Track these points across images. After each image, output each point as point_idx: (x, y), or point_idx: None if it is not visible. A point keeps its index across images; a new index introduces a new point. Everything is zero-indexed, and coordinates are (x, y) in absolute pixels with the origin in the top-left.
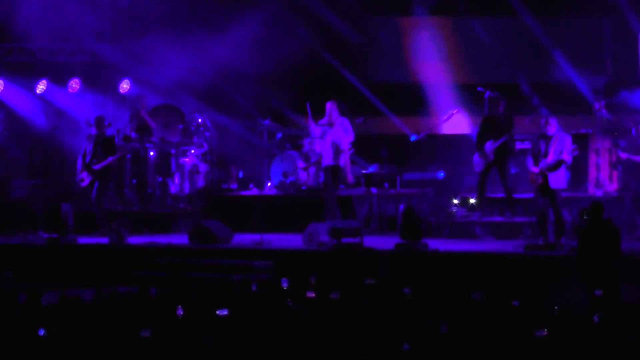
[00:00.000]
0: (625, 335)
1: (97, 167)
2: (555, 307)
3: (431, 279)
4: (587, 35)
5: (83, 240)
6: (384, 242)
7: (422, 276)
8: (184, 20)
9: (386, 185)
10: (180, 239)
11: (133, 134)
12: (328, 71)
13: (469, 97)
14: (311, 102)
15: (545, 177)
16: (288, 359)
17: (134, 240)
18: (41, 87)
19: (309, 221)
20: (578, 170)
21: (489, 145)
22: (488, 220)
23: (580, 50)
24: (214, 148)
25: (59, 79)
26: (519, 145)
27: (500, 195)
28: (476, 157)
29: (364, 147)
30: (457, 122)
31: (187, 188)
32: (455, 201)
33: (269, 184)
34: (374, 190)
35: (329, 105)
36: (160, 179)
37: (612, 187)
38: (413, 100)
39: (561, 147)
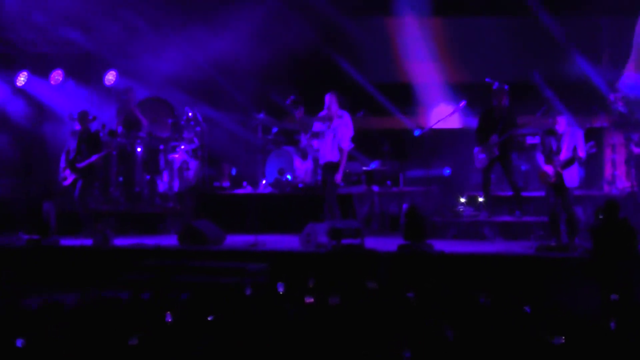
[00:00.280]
0: None
1: (81, 164)
2: (569, 313)
3: (436, 283)
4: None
5: (66, 242)
6: (386, 244)
7: (427, 279)
8: (173, 8)
9: (388, 182)
10: (169, 240)
11: (120, 129)
12: (325, 64)
13: (462, 95)
14: (301, 95)
15: (560, 176)
16: None
17: (120, 241)
18: (22, 79)
19: (306, 221)
20: (593, 167)
21: (494, 140)
22: (497, 220)
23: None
24: (205, 144)
25: (40, 71)
26: (530, 140)
27: (508, 193)
28: (478, 153)
29: (364, 142)
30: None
31: (176, 186)
32: (462, 200)
33: (263, 182)
34: (375, 188)
35: (327, 98)
36: (148, 177)
37: (628, 184)
38: (404, 99)
39: (574, 143)
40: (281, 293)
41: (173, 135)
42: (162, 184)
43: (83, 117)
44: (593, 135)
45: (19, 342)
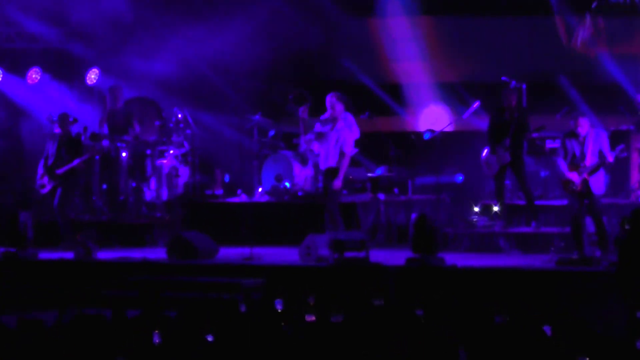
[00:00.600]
0: None
1: (60, 170)
2: (592, 331)
3: (447, 299)
4: None
5: (44, 255)
6: (394, 257)
7: (437, 296)
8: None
9: (396, 190)
10: (157, 253)
11: (105, 129)
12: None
13: (452, 95)
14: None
15: (587, 183)
16: None
17: (104, 255)
18: None
19: (306, 232)
20: (617, 172)
21: (506, 144)
22: (513, 231)
23: None
24: (196, 148)
25: (16, 68)
26: (549, 144)
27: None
28: (488, 159)
29: (370, 146)
30: (437, 120)
31: (164, 194)
32: (476, 209)
33: (259, 190)
34: (381, 196)
35: (330, 99)
36: (134, 184)
37: None
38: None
39: (599, 146)
40: (279, 310)
41: (161, 138)
42: (149, 192)
43: (63, 119)
44: (619, 139)
45: None
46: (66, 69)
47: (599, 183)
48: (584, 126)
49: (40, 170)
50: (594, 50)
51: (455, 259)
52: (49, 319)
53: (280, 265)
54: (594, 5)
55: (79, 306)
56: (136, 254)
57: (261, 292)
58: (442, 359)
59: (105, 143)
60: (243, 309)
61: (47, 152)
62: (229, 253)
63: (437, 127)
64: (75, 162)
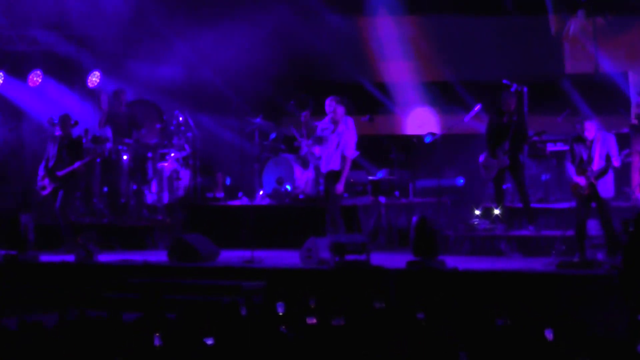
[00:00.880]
0: None
1: (61, 173)
2: (594, 335)
3: (449, 303)
4: None
5: (45, 257)
6: (394, 260)
7: (439, 299)
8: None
9: (397, 193)
10: (158, 256)
11: (109, 133)
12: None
13: (438, 94)
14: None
15: (594, 187)
16: None
17: (105, 257)
18: None
19: (307, 235)
20: (619, 175)
21: (505, 147)
22: (514, 235)
23: None
24: (197, 151)
25: (17, 71)
26: (550, 147)
27: (530, 205)
28: (485, 162)
29: (371, 149)
30: (423, 122)
31: (166, 197)
32: (477, 212)
33: (260, 193)
34: (382, 199)
35: (330, 102)
36: (135, 187)
37: None
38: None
39: (606, 150)
40: (279, 313)
41: (162, 141)
42: (150, 195)
43: (64, 121)
44: (620, 141)
45: None
46: (67, 72)
47: (607, 186)
48: (590, 130)
49: (41, 172)
50: (584, 44)
51: (456, 262)
52: (50, 321)
53: (281, 268)
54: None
55: (79, 308)
56: (137, 256)
57: (262, 295)
58: None
59: (108, 145)
60: (244, 311)
61: (48, 154)
62: (230, 256)
63: (426, 130)
64: (76, 164)
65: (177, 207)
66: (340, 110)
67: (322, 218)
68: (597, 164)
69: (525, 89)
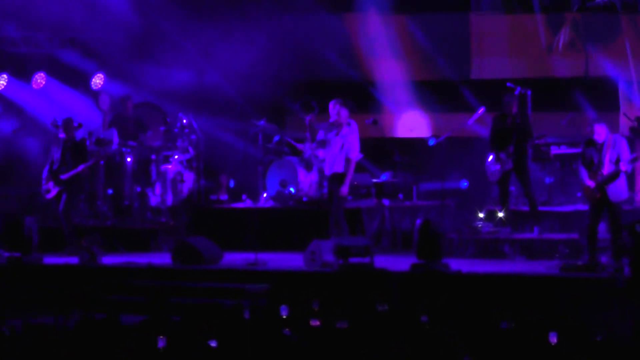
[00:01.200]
0: None
1: (65, 176)
2: (598, 338)
3: (452, 305)
4: None
5: (49, 259)
6: (398, 262)
7: (442, 302)
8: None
9: (400, 196)
10: (161, 258)
11: (116, 137)
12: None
13: (427, 94)
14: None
15: (604, 191)
16: None
17: (108, 260)
18: (1, 82)
19: (311, 238)
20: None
21: (509, 151)
22: (518, 238)
23: None
24: (201, 153)
25: (21, 73)
26: (554, 150)
27: (527, 208)
28: (491, 165)
29: (375, 152)
30: (414, 124)
31: (169, 200)
32: (481, 215)
33: (264, 195)
34: (386, 202)
35: (334, 105)
36: (138, 189)
37: None
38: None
39: (617, 154)
40: (283, 316)
41: (166, 144)
42: (154, 197)
43: (68, 124)
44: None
45: None
46: (71, 74)
47: (618, 190)
48: (600, 133)
49: (45, 175)
50: (575, 53)
51: (459, 264)
52: (53, 323)
53: (285, 271)
54: (574, 7)
55: (83, 311)
56: (141, 259)
57: (266, 297)
58: None
59: (113, 148)
60: (247, 314)
61: (52, 157)
62: (233, 258)
63: (421, 133)
64: (80, 167)
65: (181, 210)
66: (344, 113)
67: (326, 221)
68: (607, 168)
69: (529, 92)
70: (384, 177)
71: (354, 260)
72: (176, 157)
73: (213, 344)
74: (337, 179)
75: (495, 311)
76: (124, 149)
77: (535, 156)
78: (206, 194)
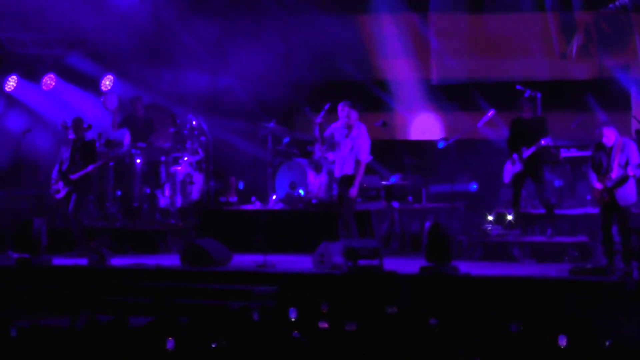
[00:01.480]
0: None
1: (74, 176)
2: (607, 342)
3: (462, 308)
4: None
5: (58, 261)
6: (407, 265)
7: (451, 304)
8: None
9: (410, 198)
10: (170, 260)
11: (127, 138)
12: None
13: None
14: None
15: (612, 195)
16: None
17: (117, 261)
18: (11, 83)
19: (320, 240)
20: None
21: (523, 153)
22: (528, 240)
23: None
24: (211, 155)
25: (31, 75)
26: (564, 153)
27: (541, 211)
28: (507, 167)
29: (384, 154)
30: (425, 126)
31: (179, 201)
32: (490, 218)
33: (273, 197)
34: (395, 204)
35: (342, 107)
36: (148, 191)
37: None
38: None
39: (626, 158)
40: (292, 318)
41: (175, 145)
42: (164, 199)
43: (77, 125)
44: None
45: None
46: (81, 75)
47: (627, 194)
48: (609, 137)
49: (54, 175)
50: (589, 58)
51: (468, 267)
52: (62, 324)
53: (294, 273)
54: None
55: (92, 312)
56: (150, 260)
57: (274, 299)
58: None
59: (123, 149)
60: (256, 316)
61: (61, 158)
62: (242, 260)
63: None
64: (90, 167)
65: (190, 211)
66: (354, 114)
67: (335, 223)
68: (616, 172)
69: (538, 94)
70: (394, 179)
71: (363, 262)
72: (186, 158)
73: (221, 345)
74: (347, 181)
75: (505, 314)
76: (133, 150)
77: (545, 159)
78: (215, 196)
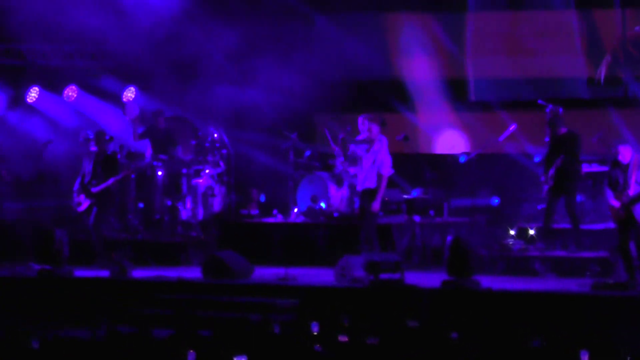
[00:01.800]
0: None
1: (96, 189)
2: (628, 357)
3: (483, 323)
4: None
5: (80, 272)
6: (429, 279)
7: (473, 319)
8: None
9: (431, 212)
10: (191, 272)
11: (149, 151)
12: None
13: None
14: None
15: (629, 211)
16: None
17: (139, 273)
18: (33, 94)
19: (341, 254)
20: None
21: (550, 170)
22: (550, 255)
23: None
24: (232, 168)
25: (53, 86)
26: (585, 168)
27: (563, 226)
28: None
29: (406, 168)
30: (447, 140)
31: (200, 214)
32: (512, 232)
33: (295, 210)
34: (417, 218)
35: (364, 121)
36: (169, 203)
37: None
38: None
39: None
40: (314, 332)
41: (197, 158)
42: (185, 211)
43: (99, 137)
44: None
45: None
46: (102, 87)
47: None
48: (625, 154)
49: (76, 187)
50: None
51: (490, 282)
52: (83, 336)
53: (315, 286)
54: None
55: (113, 324)
56: (171, 273)
57: (295, 312)
58: None
59: (145, 161)
60: (277, 329)
61: (83, 170)
62: (263, 273)
63: (466, 149)
64: (111, 180)
65: (212, 224)
66: (375, 128)
67: (357, 236)
68: (633, 189)
69: (560, 109)
70: (415, 193)
71: (384, 276)
72: (207, 171)
73: (242, 359)
74: (369, 194)
75: (526, 329)
76: (155, 163)
77: (574, 174)
78: (237, 209)
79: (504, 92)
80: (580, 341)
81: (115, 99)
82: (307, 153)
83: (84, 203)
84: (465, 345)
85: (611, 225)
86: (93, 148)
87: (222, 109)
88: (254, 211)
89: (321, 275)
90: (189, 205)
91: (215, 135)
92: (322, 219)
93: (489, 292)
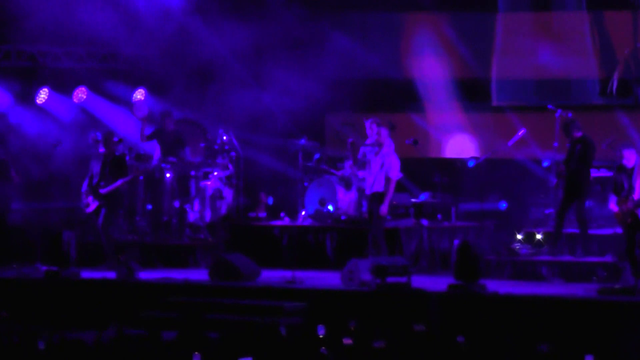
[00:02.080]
0: None
1: (104, 190)
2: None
3: (489, 327)
4: None
5: (87, 274)
6: (436, 283)
7: (479, 323)
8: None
9: (439, 216)
10: (199, 274)
11: (158, 153)
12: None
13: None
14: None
15: (635, 216)
16: None
17: (146, 275)
18: (42, 96)
19: (349, 257)
20: None
21: (562, 174)
22: (557, 260)
23: None
24: (241, 171)
25: (62, 88)
26: (593, 173)
27: (571, 230)
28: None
29: (414, 172)
30: (456, 144)
31: (208, 216)
32: (519, 237)
33: (303, 213)
34: (424, 222)
35: (370, 125)
36: (177, 205)
37: None
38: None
39: None
40: (321, 335)
41: (205, 160)
42: (193, 214)
43: (108, 138)
44: None
45: None
46: (112, 89)
47: None
48: (629, 158)
49: (84, 189)
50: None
51: (497, 286)
52: (90, 338)
53: (322, 289)
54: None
55: (120, 326)
56: (178, 275)
57: (303, 315)
58: None
59: (153, 163)
60: (284, 332)
61: (91, 172)
62: (270, 276)
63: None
64: (119, 182)
65: (220, 226)
66: (384, 132)
67: (364, 240)
68: (638, 193)
69: (569, 114)
70: (423, 197)
71: (391, 279)
72: (216, 173)
73: None
74: (377, 198)
75: (533, 333)
76: (163, 165)
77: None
78: (245, 211)
79: (519, 95)
80: (586, 345)
81: (125, 101)
82: (316, 156)
83: (92, 204)
84: (471, 349)
85: (619, 230)
86: (102, 149)
87: (232, 111)
88: (262, 214)
89: (328, 279)
90: (197, 207)
91: (225, 137)
92: (330, 222)
93: (495, 296)
